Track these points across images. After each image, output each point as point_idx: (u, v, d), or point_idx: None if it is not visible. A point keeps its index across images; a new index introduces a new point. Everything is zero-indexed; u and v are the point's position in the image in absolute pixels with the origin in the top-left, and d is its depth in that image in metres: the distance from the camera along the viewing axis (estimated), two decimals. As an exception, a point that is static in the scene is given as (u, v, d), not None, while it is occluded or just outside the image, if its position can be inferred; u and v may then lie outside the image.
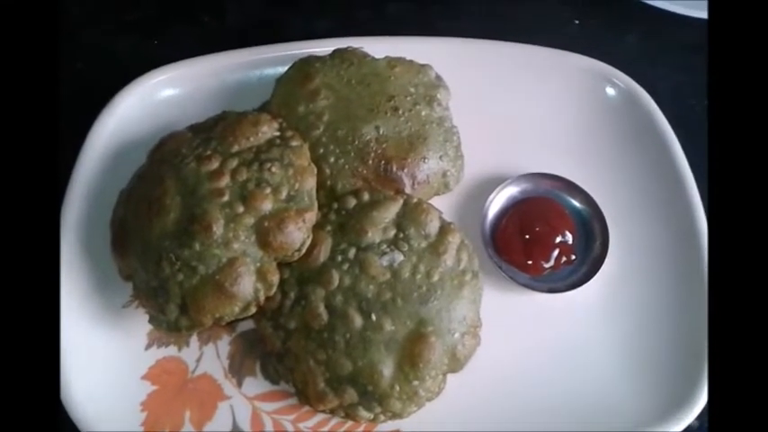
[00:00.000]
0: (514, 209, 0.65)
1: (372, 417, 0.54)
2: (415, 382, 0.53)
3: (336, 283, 0.54)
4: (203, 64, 0.69)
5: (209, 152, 0.56)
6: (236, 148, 0.56)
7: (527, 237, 0.63)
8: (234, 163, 0.55)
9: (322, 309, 0.54)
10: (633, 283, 0.64)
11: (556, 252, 0.63)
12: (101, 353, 0.58)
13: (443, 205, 0.61)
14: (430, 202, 0.60)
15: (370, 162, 0.58)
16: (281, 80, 0.65)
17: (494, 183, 0.66)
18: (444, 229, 0.57)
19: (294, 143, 0.58)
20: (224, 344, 0.60)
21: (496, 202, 0.66)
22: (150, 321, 0.56)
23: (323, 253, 0.55)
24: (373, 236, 0.56)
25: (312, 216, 0.55)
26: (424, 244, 0.56)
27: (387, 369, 0.53)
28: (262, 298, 0.53)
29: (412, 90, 0.62)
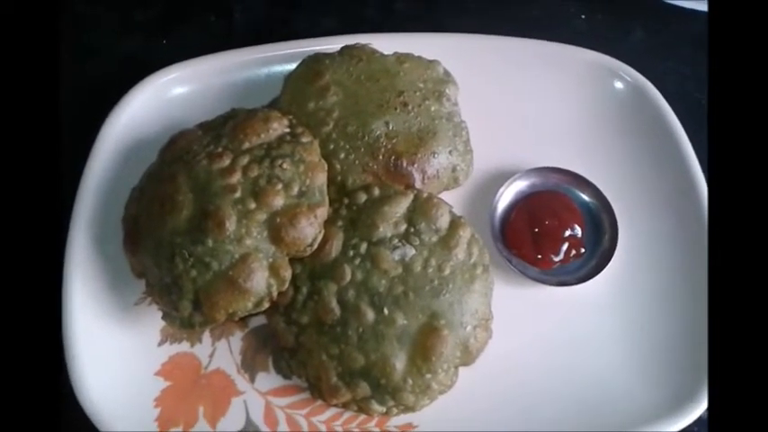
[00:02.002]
0: (523, 203, 0.65)
1: (385, 410, 0.55)
2: (428, 376, 0.53)
3: (348, 277, 0.55)
4: (212, 62, 0.70)
5: (220, 149, 0.57)
6: (246, 145, 0.57)
7: (536, 230, 0.63)
8: (245, 160, 0.55)
9: (334, 303, 0.54)
10: (642, 276, 0.64)
11: (565, 246, 0.63)
12: (114, 350, 0.59)
13: (453, 200, 0.61)
14: (440, 196, 0.60)
15: (381, 157, 0.59)
16: (290, 77, 0.65)
17: (503, 177, 0.66)
18: (455, 223, 0.57)
19: (304, 139, 0.58)
20: (236, 339, 0.61)
21: (505, 197, 0.66)
22: (163, 318, 0.57)
23: (335, 248, 0.56)
24: (384, 230, 0.56)
25: (323, 211, 0.55)
26: (434, 238, 0.56)
27: (399, 362, 0.53)
28: (274, 293, 0.54)
29: (421, 86, 0.62)
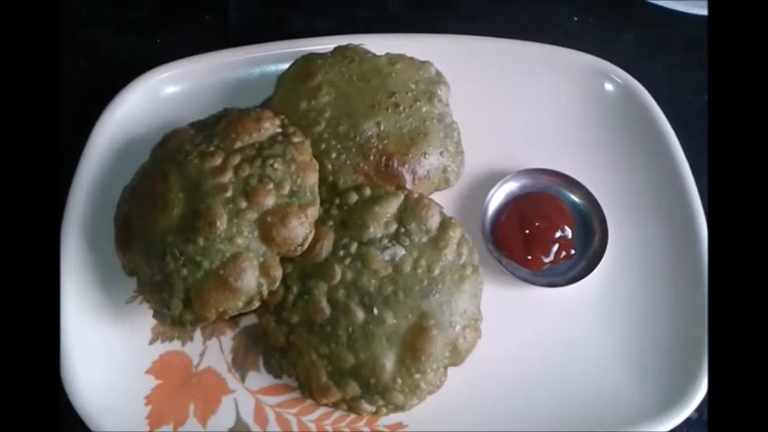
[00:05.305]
0: (514, 204, 0.66)
1: (375, 410, 0.55)
2: (417, 375, 0.54)
3: (339, 277, 0.55)
4: (205, 61, 0.70)
5: (212, 148, 0.57)
6: (238, 145, 0.57)
7: (527, 232, 0.64)
8: (236, 159, 0.56)
9: (324, 303, 0.54)
10: (632, 277, 0.64)
11: (555, 247, 0.63)
12: (105, 348, 0.59)
13: (444, 201, 0.62)
14: (430, 197, 0.60)
15: (372, 158, 0.59)
16: (282, 77, 0.65)
17: (493, 178, 0.67)
18: (445, 223, 0.58)
19: (296, 139, 0.58)
20: (227, 339, 0.61)
21: (496, 198, 0.66)
22: (154, 316, 0.57)
23: (325, 248, 0.56)
24: (375, 231, 0.56)
25: (314, 211, 0.55)
26: (425, 238, 0.57)
27: (389, 362, 0.53)
28: (265, 292, 0.54)
29: (412, 86, 0.62)
